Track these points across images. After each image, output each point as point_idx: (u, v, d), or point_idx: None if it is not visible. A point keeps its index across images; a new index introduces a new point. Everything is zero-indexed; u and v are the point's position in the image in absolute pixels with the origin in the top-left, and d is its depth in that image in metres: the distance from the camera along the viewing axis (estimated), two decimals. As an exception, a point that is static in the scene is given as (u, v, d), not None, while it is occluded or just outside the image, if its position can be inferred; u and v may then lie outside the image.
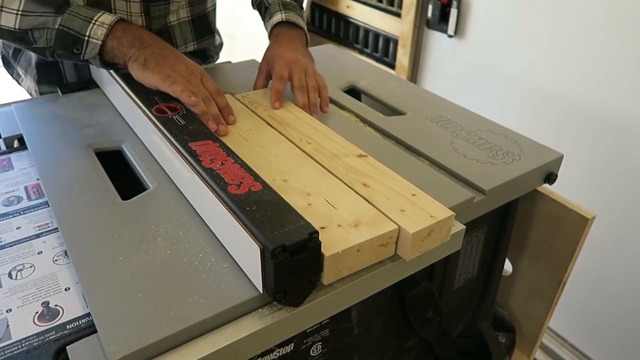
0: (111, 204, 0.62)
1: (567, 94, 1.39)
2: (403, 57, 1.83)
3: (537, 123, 1.49)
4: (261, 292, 0.49)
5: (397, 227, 0.53)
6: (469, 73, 1.66)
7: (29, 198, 0.67)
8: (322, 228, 0.52)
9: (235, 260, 0.53)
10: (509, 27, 1.50)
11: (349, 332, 0.67)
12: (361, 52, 2.04)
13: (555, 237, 0.81)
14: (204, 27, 1.03)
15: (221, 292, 0.50)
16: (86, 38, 0.73)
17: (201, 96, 0.72)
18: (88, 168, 0.68)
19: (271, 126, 0.74)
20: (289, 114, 0.78)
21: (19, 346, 0.47)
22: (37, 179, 0.71)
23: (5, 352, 0.46)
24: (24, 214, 0.64)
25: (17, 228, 0.62)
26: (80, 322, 0.50)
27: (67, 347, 0.46)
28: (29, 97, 1.01)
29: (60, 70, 0.95)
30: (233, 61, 1.09)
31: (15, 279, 0.54)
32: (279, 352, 0.57)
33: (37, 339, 0.48)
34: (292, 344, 0.58)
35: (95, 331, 0.46)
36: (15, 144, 0.80)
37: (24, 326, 0.49)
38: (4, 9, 0.72)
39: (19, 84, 1.02)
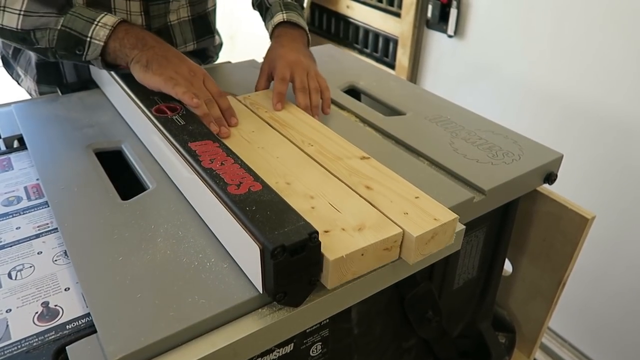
0: (111, 204, 0.62)
1: (567, 94, 1.39)
2: (403, 57, 1.83)
3: (537, 123, 1.49)
4: (261, 292, 0.49)
5: (401, 230, 0.53)
6: (469, 73, 1.66)
7: (28, 198, 0.67)
8: (326, 232, 0.52)
9: (235, 260, 0.53)
10: (509, 27, 1.50)
11: (348, 332, 0.67)
12: (361, 52, 2.04)
13: (555, 237, 0.81)
14: (204, 26, 1.03)
15: (221, 292, 0.50)
16: (88, 39, 0.72)
17: (203, 98, 0.71)
18: (88, 168, 0.68)
19: (273, 128, 0.74)
20: (291, 115, 0.78)
21: (19, 346, 0.47)
22: (37, 179, 0.71)
23: (5, 352, 0.46)
24: (23, 214, 0.64)
25: (16, 228, 0.62)
26: (80, 322, 0.50)
27: (66, 347, 0.46)
28: (28, 97, 1.01)
29: (60, 71, 0.95)
30: (233, 61, 1.09)
31: (15, 279, 0.54)
32: (279, 352, 0.57)
33: (36, 339, 0.48)
34: (292, 344, 0.58)
35: (95, 331, 0.46)
36: (15, 144, 0.80)
37: (24, 326, 0.49)
38: (6, 9, 0.72)
39: (18, 84, 1.02)
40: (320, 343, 0.62)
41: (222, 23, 1.14)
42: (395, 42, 1.85)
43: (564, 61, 1.38)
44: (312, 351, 0.61)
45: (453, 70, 1.71)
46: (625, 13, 1.22)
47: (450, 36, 1.66)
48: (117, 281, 0.50)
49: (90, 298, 0.49)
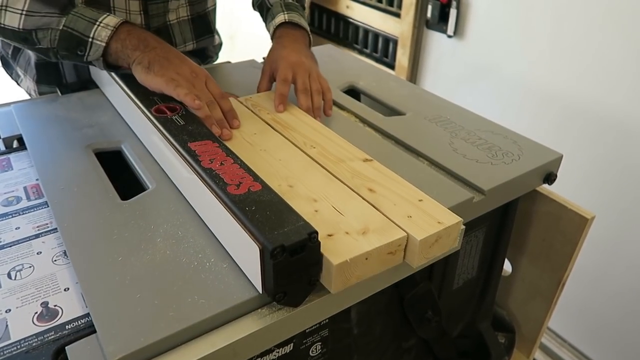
0: (110, 204, 0.62)
1: (566, 94, 1.40)
2: (402, 57, 1.83)
3: (537, 123, 1.50)
4: (260, 292, 0.49)
5: (405, 234, 0.53)
6: (469, 73, 1.66)
7: (28, 198, 0.67)
8: (330, 235, 0.51)
9: (235, 260, 0.53)
10: (508, 27, 1.50)
11: (348, 332, 0.67)
12: (361, 52, 2.04)
13: (555, 237, 0.81)
14: (203, 26, 1.03)
15: (220, 292, 0.50)
16: (90, 40, 0.72)
17: (205, 100, 0.71)
18: (87, 168, 0.68)
19: (275, 130, 0.74)
20: (292, 117, 0.77)
21: (18, 346, 0.47)
22: (37, 179, 0.71)
23: (5, 352, 0.46)
24: (23, 214, 0.64)
25: (16, 228, 0.62)
26: (80, 323, 0.50)
27: (66, 348, 0.46)
28: (28, 97, 1.01)
29: (60, 71, 0.95)
30: (232, 61, 1.09)
31: (15, 279, 0.54)
32: (279, 352, 0.57)
33: (36, 339, 0.48)
34: (292, 344, 0.58)
35: (95, 331, 0.46)
36: (15, 144, 0.80)
37: (23, 326, 0.49)
38: (8, 8, 0.72)
39: (18, 84, 1.02)
40: (319, 343, 0.62)
41: (222, 23, 1.14)
42: (395, 42, 1.85)
43: (564, 61, 1.38)
44: (312, 351, 0.61)
45: (453, 71, 1.71)
46: (624, 13, 1.22)
47: (449, 36, 1.66)
48: (117, 281, 0.50)
49: (89, 298, 0.49)
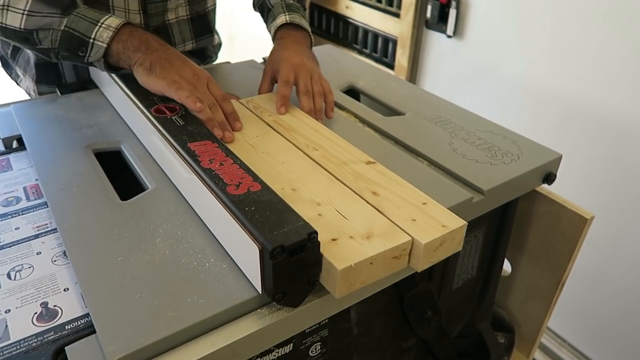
0: (110, 204, 0.62)
1: (566, 94, 1.40)
2: (402, 57, 1.83)
3: (537, 123, 1.50)
4: (260, 292, 0.49)
5: (410, 238, 0.52)
6: (468, 73, 1.66)
7: (27, 198, 0.67)
8: (334, 240, 0.51)
9: (234, 260, 0.53)
10: (508, 27, 1.50)
11: (348, 333, 0.67)
12: (360, 52, 2.04)
13: (554, 237, 0.81)
14: (203, 26, 1.03)
15: (220, 292, 0.50)
16: (91, 40, 0.72)
17: (207, 102, 0.70)
18: (87, 168, 0.68)
19: (277, 132, 0.73)
20: (294, 119, 0.77)
21: (18, 347, 0.47)
22: (36, 180, 0.71)
23: (4, 352, 0.46)
24: (22, 214, 0.64)
25: (15, 228, 0.62)
26: (79, 323, 0.50)
27: (65, 348, 0.46)
28: (27, 97, 1.01)
29: (59, 71, 0.95)
30: (232, 61, 1.09)
31: (14, 279, 0.54)
32: (278, 352, 0.57)
33: (35, 340, 0.48)
34: (291, 344, 0.58)
35: (94, 331, 0.46)
36: (14, 144, 0.80)
37: (23, 327, 0.49)
38: (10, 8, 0.72)
39: (17, 84, 1.02)
40: (319, 343, 0.62)
41: (222, 23, 1.14)
42: (395, 42, 1.85)
43: (563, 61, 1.38)
44: (312, 351, 0.61)
45: (452, 71, 1.72)
46: (624, 13, 1.22)
47: (449, 36, 1.66)
48: (117, 281, 0.50)
49: (89, 298, 0.49)
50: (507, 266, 0.91)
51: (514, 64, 1.51)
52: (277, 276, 0.46)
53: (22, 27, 0.72)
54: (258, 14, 1.03)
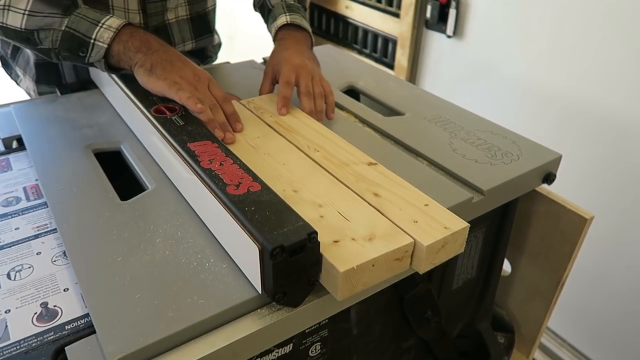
0: (110, 204, 0.62)
1: (566, 94, 1.40)
2: (402, 57, 1.83)
3: (537, 123, 1.50)
4: (260, 292, 0.49)
5: (412, 240, 0.52)
6: (468, 73, 1.66)
7: (27, 199, 0.67)
8: (336, 242, 0.51)
9: (234, 260, 0.53)
10: (507, 27, 1.50)
11: (347, 333, 0.67)
12: (360, 52, 2.04)
13: (554, 237, 0.81)
14: (203, 26, 1.03)
15: (220, 292, 0.50)
16: (92, 41, 0.72)
17: (208, 103, 0.70)
18: (87, 168, 0.68)
19: (278, 133, 0.73)
20: (295, 120, 0.77)
21: (18, 347, 0.47)
22: (36, 180, 0.71)
23: (4, 352, 0.46)
24: (22, 214, 0.64)
25: (15, 229, 0.62)
26: (79, 323, 0.50)
27: (65, 348, 0.46)
28: (27, 97, 1.01)
29: (59, 71, 0.95)
30: (232, 62, 1.09)
31: (14, 279, 0.54)
32: (278, 352, 0.57)
33: (35, 340, 0.48)
34: (291, 344, 0.58)
35: (94, 332, 0.46)
36: (14, 144, 0.80)
37: (23, 327, 0.49)
38: (11, 8, 0.71)
39: (17, 84, 1.02)
40: (319, 343, 0.62)
41: (221, 23, 1.14)
42: (394, 42, 1.86)
43: (563, 61, 1.38)
44: (311, 351, 0.61)
45: (452, 71, 1.72)
46: (624, 13, 1.22)
47: (449, 36, 1.66)
48: (116, 282, 0.50)
49: (89, 298, 0.49)
50: (507, 266, 0.91)
51: (514, 64, 1.51)
52: (277, 276, 0.46)
53: (22, 27, 0.72)
54: (258, 14, 1.03)
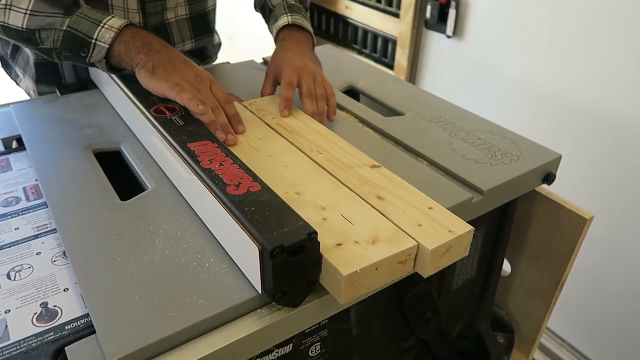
0: (110, 204, 0.62)
1: (566, 94, 1.40)
2: (402, 57, 1.83)
3: (536, 123, 1.50)
4: (260, 292, 0.49)
5: (416, 243, 0.52)
6: (468, 73, 1.66)
7: (27, 199, 0.67)
8: (339, 245, 0.51)
9: (234, 260, 0.53)
10: (507, 27, 1.50)
11: (347, 333, 0.67)
12: (360, 52, 2.04)
13: (554, 237, 0.81)
14: (202, 25, 1.02)
15: (220, 292, 0.50)
16: (93, 41, 0.72)
17: (210, 105, 0.70)
18: (87, 169, 0.68)
19: (280, 135, 0.73)
20: (298, 122, 0.76)
21: (18, 347, 0.47)
22: (36, 180, 0.71)
23: (4, 352, 0.46)
24: (22, 214, 0.64)
25: (15, 229, 0.62)
26: (79, 323, 0.50)
27: (65, 348, 0.46)
28: (27, 97, 1.01)
29: (59, 71, 0.95)
30: (232, 62, 1.09)
31: (14, 279, 0.54)
32: (278, 352, 0.57)
33: (35, 340, 0.48)
34: (291, 344, 0.58)
35: (94, 332, 0.46)
36: (14, 144, 0.80)
37: (23, 327, 0.49)
38: (12, 7, 0.71)
39: (17, 84, 1.02)
40: (319, 343, 0.62)
41: (221, 23, 1.14)
42: (394, 42, 1.86)
43: (563, 61, 1.38)
44: (311, 351, 0.61)
45: (452, 71, 1.72)
46: (623, 13, 1.22)
47: (449, 36, 1.66)
48: (116, 282, 0.50)
49: (89, 298, 0.49)
50: (506, 266, 0.92)
51: (514, 64, 1.51)
52: (276, 276, 0.46)
53: (24, 26, 0.72)
54: (258, 14, 1.03)
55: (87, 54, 0.73)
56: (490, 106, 1.61)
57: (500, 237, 0.82)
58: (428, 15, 1.70)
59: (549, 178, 0.77)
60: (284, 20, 0.91)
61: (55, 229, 0.61)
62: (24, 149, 0.76)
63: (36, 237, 0.61)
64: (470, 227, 0.55)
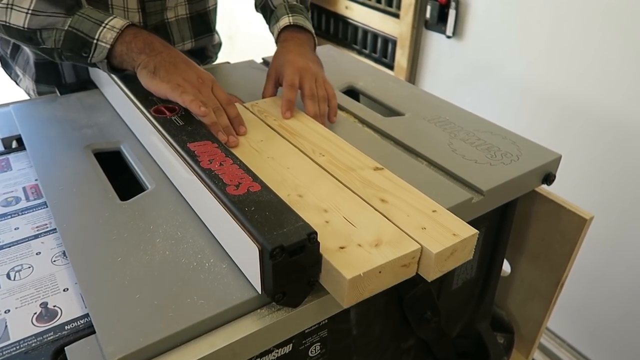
0: (110, 204, 0.62)
1: (565, 94, 1.40)
2: (401, 57, 1.83)
3: (536, 123, 1.50)
4: (260, 292, 0.49)
5: (419, 246, 0.51)
6: (468, 74, 1.66)
7: (27, 199, 0.67)
8: (342, 248, 0.50)
9: (234, 260, 0.53)
10: (507, 28, 1.50)
11: (347, 333, 0.67)
12: (360, 52, 2.04)
13: (554, 237, 0.81)
14: (203, 25, 1.02)
15: (220, 292, 0.50)
16: (95, 41, 0.72)
17: (211, 106, 0.69)
18: (87, 169, 0.68)
19: (282, 137, 0.72)
20: (300, 123, 0.76)
21: (18, 347, 0.47)
22: (36, 180, 0.71)
23: (4, 353, 0.46)
24: (22, 214, 0.64)
25: (15, 229, 0.62)
26: (79, 323, 0.50)
27: (65, 348, 0.46)
28: (27, 97, 1.01)
29: (59, 71, 0.95)
30: (232, 62, 1.09)
31: (14, 279, 0.54)
32: (278, 352, 0.57)
33: (35, 340, 0.48)
34: (291, 344, 0.58)
35: (94, 332, 0.46)
36: (14, 144, 0.80)
37: (23, 327, 0.49)
38: (14, 7, 0.71)
39: (17, 84, 1.02)
40: (319, 343, 0.62)
41: (221, 23, 1.14)
42: (394, 42, 1.86)
43: (563, 61, 1.38)
44: (311, 352, 0.61)
45: (452, 71, 1.72)
46: (623, 13, 1.22)
47: (448, 37, 1.66)
48: (116, 282, 0.50)
49: (89, 298, 0.49)
50: (506, 266, 0.92)
51: (514, 64, 1.51)
52: (276, 276, 0.46)
53: (25, 26, 0.72)
54: (258, 14, 1.03)
55: (89, 54, 0.73)
56: (490, 106, 1.61)
57: (500, 237, 0.82)
58: (428, 15, 1.70)
59: (548, 178, 0.77)
60: (285, 20, 0.90)
61: (55, 229, 0.61)
62: (24, 149, 0.76)
63: (36, 237, 0.61)
64: (474, 231, 0.54)
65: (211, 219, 0.57)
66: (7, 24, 0.73)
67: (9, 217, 0.64)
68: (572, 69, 1.36)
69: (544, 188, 0.80)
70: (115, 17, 0.73)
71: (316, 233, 0.47)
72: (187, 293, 0.49)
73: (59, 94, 0.89)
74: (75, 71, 0.95)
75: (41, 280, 0.54)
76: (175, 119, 0.68)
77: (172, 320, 0.46)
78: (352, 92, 0.99)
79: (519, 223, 0.84)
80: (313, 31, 0.93)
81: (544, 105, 1.46)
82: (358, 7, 1.97)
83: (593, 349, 1.56)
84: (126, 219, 0.59)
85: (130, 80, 0.75)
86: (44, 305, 0.51)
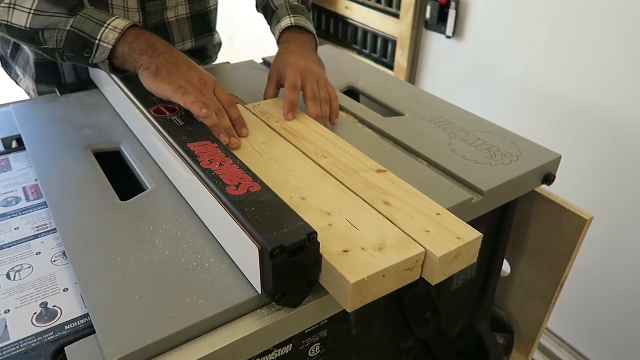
0: (110, 204, 0.62)
1: (565, 95, 1.40)
2: (401, 58, 1.83)
3: (536, 124, 1.50)
4: (260, 293, 0.49)
5: (424, 250, 0.51)
6: (468, 74, 1.66)
7: (27, 199, 0.67)
8: (346, 251, 0.50)
9: (234, 261, 0.53)
10: (507, 28, 1.50)
11: (347, 333, 0.67)
12: (360, 53, 2.04)
13: (554, 237, 0.81)
14: (203, 25, 1.02)
15: (220, 293, 0.50)
16: (97, 42, 0.71)
17: (213, 108, 0.69)
18: (87, 169, 0.68)
19: (285, 139, 0.72)
20: (302, 125, 0.76)
21: (18, 347, 0.47)
22: (36, 180, 0.71)
23: (4, 353, 0.46)
24: (22, 214, 0.64)
25: (15, 229, 0.62)
26: (79, 323, 0.50)
27: (65, 348, 0.46)
28: (27, 97, 1.01)
29: (59, 71, 0.95)
30: (232, 62, 1.09)
31: (14, 279, 0.54)
32: (278, 352, 0.57)
33: (35, 340, 0.48)
34: (291, 344, 0.58)
35: (94, 332, 0.46)
36: (14, 144, 0.80)
37: (23, 327, 0.49)
38: (17, 7, 0.71)
39: (17, 84, 1.02)
40: (319, 344, 0.62)
41: (221, 23, 1.14)
42: (394, 43, 1.86)
43: (563, 61, 1.38)
44: (311, 352, 0.61)
45: (452, 71, 1.72)
46: (623, 13, 1.22)
47: (448, 37, 1.66)
48: (116, 282, 0.50)
49: (89, 299, 0.49)
50: (506, 267, 0.92)
51: (514, 65, 1.51)
52: (276, 277, 0.46)
53: (27, 26, 0.72)
54: (258, 14, 1.03)
55: (91, 55, 0.72)
56: (490, 106, 1.61)
57: (500, 237, 0.82)
58: (428, 15, 1.70)
59: (548, 179, 0.77)
60: (286, 21, 0.90)
61: (55, 229, 0.61)
62: (24, 149, 0.76)
63: (36, 237, 0.61)
64: (479, 234, 0.54)
65: (211, 219, 0.57)
66: (9, 24, 0.72)
67: (9, 217, 0.64)
68: (572, 69, 1.36)
69: (544, 188, 0.80)
70: (117, 17, 0.73)
71: (316, 233, 0.47)
72: (187, 293, 0.49)
73: (59, 94, 0.89)
74: (75, 71, 0.95)
75: (41, 281, 0.54)
76: (175, 119, 0.68)
77: (172, 321, 0.46)
78: (352, 93, 0.99)
79: (519, 223, 0.84)
80: (315, 32, 0.92)
81: (544, 105, 1.46)
82: (358, 7, 1.97)
83: (593, 349, 1.56)
84: (126, 219, 0.59)
85: (130, 81, 0.75)
86: (44, 305, 0.51)
